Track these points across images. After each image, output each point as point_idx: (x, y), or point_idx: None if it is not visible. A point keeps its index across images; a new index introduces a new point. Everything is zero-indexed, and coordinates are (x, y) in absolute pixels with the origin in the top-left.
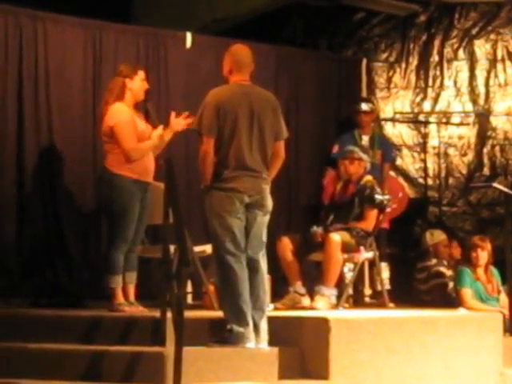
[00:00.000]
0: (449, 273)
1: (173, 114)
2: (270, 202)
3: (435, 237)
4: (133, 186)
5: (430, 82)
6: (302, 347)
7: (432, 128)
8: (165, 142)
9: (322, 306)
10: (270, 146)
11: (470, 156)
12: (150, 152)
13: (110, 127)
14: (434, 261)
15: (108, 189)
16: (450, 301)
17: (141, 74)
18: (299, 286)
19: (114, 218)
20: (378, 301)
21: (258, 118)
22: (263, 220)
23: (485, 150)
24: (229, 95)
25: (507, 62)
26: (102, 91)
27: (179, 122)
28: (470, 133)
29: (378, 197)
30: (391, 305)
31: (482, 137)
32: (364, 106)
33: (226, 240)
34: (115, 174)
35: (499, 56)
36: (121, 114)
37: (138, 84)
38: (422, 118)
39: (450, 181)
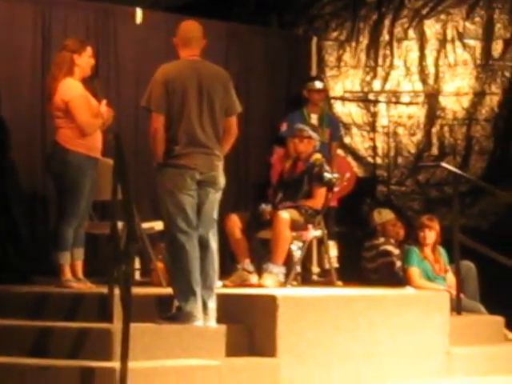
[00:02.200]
0: (396, 251)
1: (103, 102)
2: (222, 180)
3: (383, 216)
4: (85, 162)
5: (380, 62)
6: (250, 325)
7: (381, 107)
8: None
9: (270, 283)
10: (221, 122)
11: (419, 135)
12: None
13: (64, 102)
14: (381, 239)
15: (60, 164)
16: (398, 279)
17: (89, 51)
18: (247, 264)
19: (65, 194)
20: (325, 279)
21: (208, 93)
22: (215, 197)
23: (434, 130)
24: (177, 71)
25: (457, 43)
26: (50, 67)
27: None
28: (419, 112)
29: (327, 175)
30: (339, 283)
31: (431, 116)
32: (318, 84)
33: (177, 218)
34: (68, 150)
35: (449, 36)
36: (75, 89)
37: (85, 60)
38: (371, 97)
39: (399, 160)
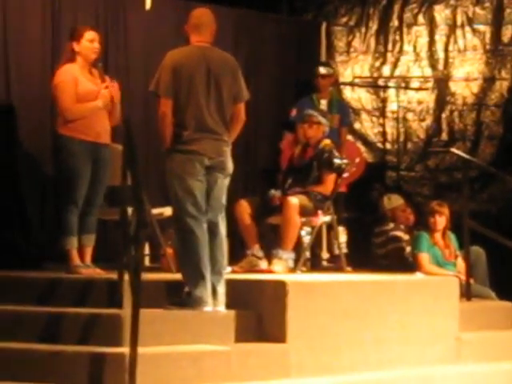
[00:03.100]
0: (406, 237)
1: (103, 86)
2: (230, 165)
3: (393, 201)
4: (77, 146)
5: (390, 47)
6: (260, 310)
7: (391, 92)
8: (107, 103)
9: (280, 269)
10: (228, 108)
11: (429, 121)
12: (102, 113)
13: (52, 88)
14: (391, 225)
15: (55, 150)
16: (407, 265)
17: (88, 35)
18: (257, 249)
19: (61, 180)
20: (335, 265)
21: (216, 80)
22: (223, 183)
23: (443, 115)
24: (185, 56)
25: (466, 28)
26: (60, 54)
27: (104, 94)
28: (428, 98)
29: (337, 161)
30: (348, 269)
31: (441, 102)
32: (322, 70)
33: (187, 203)
34: (60, 135)
35: (459, 22)
36: (63, 75)
37: (85, 45)
38: (381, 82)
39: (409, 145)
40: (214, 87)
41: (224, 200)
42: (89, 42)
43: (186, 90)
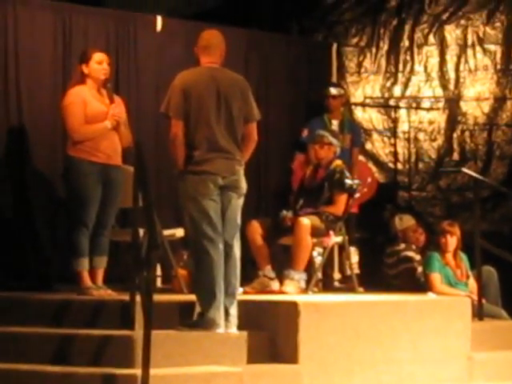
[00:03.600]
0: (417, 257)
1: (111, 107)
2: (244, 184)
3: (404, 222)
4: (86, 167)
5: (401, 67)
6: (272, 331)
7: (402, 113)
8: (115, 124)
9: (292, 290)
10: (239, 128)
11: (440, 141)
12: (112, 134)
13: (61, 110)
14: (402, 245)
15: (66, 171)
16: (419, 285)
17: (96, 57)
18: (269, 270)
19: (71, 202)
20: (347, 285)
21: (225, 100)
22: (238, 203)
23: (454, 135)
24: (195, 77)
25: (477, 48)
26: (71, 75)
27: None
28: (439, 118)
29: (348, 181)
30: (360, 289)
31: (452, 122)
32: (333, 91)
33: (202, 224)
34: (70, 156)
35: (469, 41)
36: (71, 97)
37: (94, 67)
38: (392, 102)
39: (420, 166)
40: (224, 107)
41: (239, 220)
42: (98, 64)
43: (196, 111)
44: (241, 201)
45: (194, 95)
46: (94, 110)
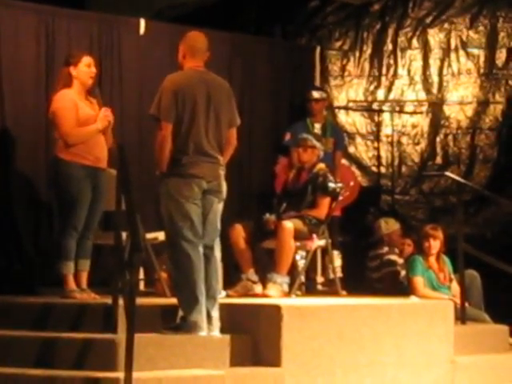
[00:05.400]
0: (400, 261)
1: (102, 110)
2: (225, 188)
3: (390, 226)
4: (78, 171)
5: (384, 71)
6: (254, 334)
7: (385, 116)
8: (105, 125)
9: (275, 293)
10: (224, 133)
11: (423, 145)
12: (101, 137)
13: (51, 114)
14: (385, 249)
15: (56, 175)
16: (402, 289)
17: (85, 60)
18: (252, 274)
19: (62, 205)
20: (330, 289)
21: (215, 104)
22: (218, 207)
23: (438, 139)
24: (187, 81)
25: (460, 52)
26: (54, 77)
27: (102, 118)
28: (423, 121)
29: (331, 185)
30: (343, 293)
31: (435, 126)
32: (315, 94)
33: (183, 227)
34: (60, 159)
35: (453, 45)
36: (61, 101)
37: (82, 70)
38: (375, 106)
39: (403, 169)
40: (213, 112)
41: (219, 224)
42: (86, 67)
43: (188, 114)
44: (221, 205)
45: (187, 99)
46: (84, 113)
